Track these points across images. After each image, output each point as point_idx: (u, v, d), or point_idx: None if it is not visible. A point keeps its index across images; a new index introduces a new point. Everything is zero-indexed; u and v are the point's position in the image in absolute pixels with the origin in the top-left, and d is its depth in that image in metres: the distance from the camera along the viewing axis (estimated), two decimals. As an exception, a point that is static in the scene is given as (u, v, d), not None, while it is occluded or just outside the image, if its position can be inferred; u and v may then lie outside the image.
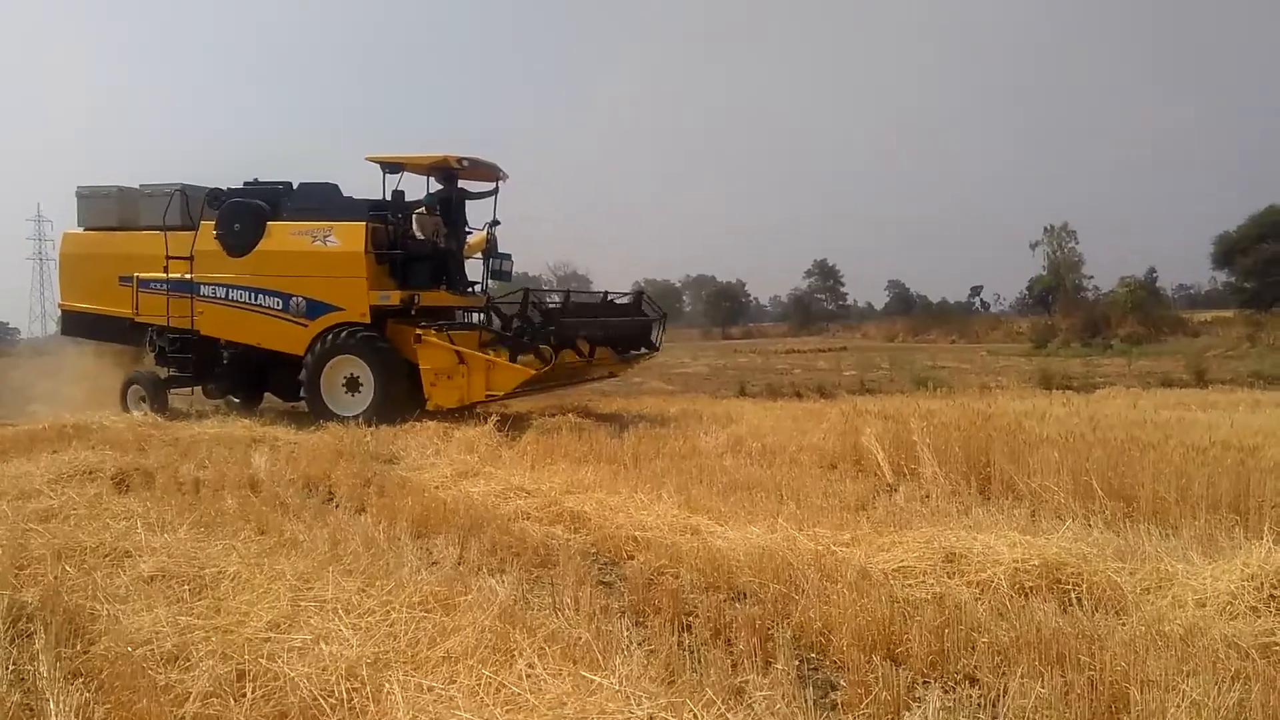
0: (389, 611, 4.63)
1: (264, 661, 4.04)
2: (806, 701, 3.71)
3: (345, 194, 14.34)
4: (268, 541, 6.29)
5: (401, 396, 13.25)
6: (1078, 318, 42.82)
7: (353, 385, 13.55)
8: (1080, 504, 7.17)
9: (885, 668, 4.02)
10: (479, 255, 15.25)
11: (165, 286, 14.78)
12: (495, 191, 15.15)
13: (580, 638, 4.26)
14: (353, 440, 11.32)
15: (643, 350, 16.05)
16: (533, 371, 12.31)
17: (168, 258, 14.62)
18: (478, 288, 15.44)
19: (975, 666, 4.18)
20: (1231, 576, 5.00)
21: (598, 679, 3.70)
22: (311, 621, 4.52)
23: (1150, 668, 3.89)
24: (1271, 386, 20.02)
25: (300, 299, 13.91)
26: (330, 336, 13.58)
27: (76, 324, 16.44)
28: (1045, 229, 63.08)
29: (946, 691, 4.01)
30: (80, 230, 16.06)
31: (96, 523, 6.81)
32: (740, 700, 3.77)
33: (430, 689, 3.72)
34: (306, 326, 13.85)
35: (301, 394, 13.93)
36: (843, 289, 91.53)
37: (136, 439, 11.39)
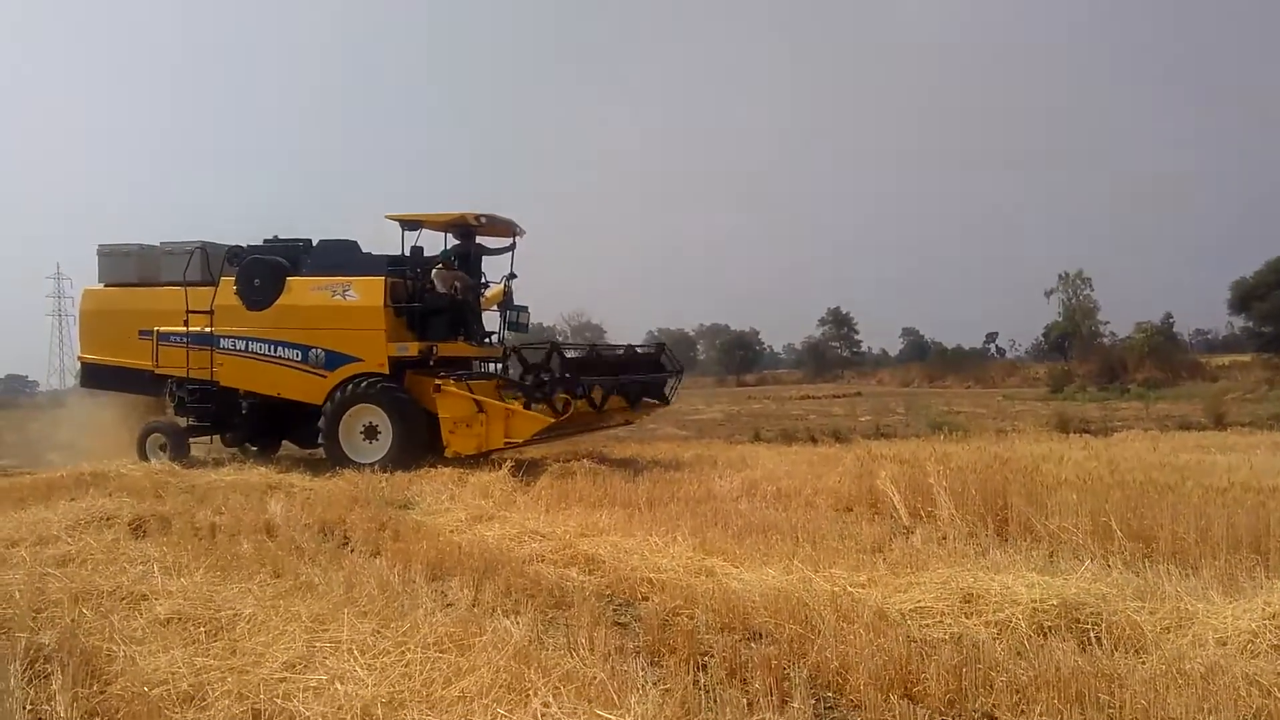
0: (404, 652, 4.63)
1: (279, 701, 4.05)
2: (823, 739, 3.68)
3: (364, 250, 14.75)
4: (283, 584, 6.31)
5: (419, 444, 13.47)
6: (1094, 363, 42.74)
7: (371, 433, 13.76)
8: (1099, 545, 7.12)
9: (902, 706, 3.99)
10: (496, 308, 15.58)
11: (185, 339, 15.10)
12: (512, 246, 15.51)
13: (595, 677, 4.25)
14: (368, 486, 11.36)
15: (655, 401, 16.34)
16: (551, 419, 12.52)
17: (188, 312, 14.94)
18: (494, 338, 15.75)
19: (994, 705, 4.15)
20: (1253, 615, 4.97)
21: (613, 718, 3.69)
22: (327, 662, 4.53)
23: (1171, 706, 3.86)
24: (1291, 430, 19.85)
25: (319, 350, 14.19)
26: (350, 386, 13.85)
27: (97, 376, 16.78)
28: (1060, 276, 63.10)
29: (965, 730, 3.97)
30: (101, 286, 16.50)
31: (113, 567, 6.86)
32: (756, 738, 3.74)
33: (445, 727, 3.71)
34: (325, 377, 14.12)
35: (320, 441, 14.14)
36: (857, 336, 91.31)
37: (153, 486, 11.45)
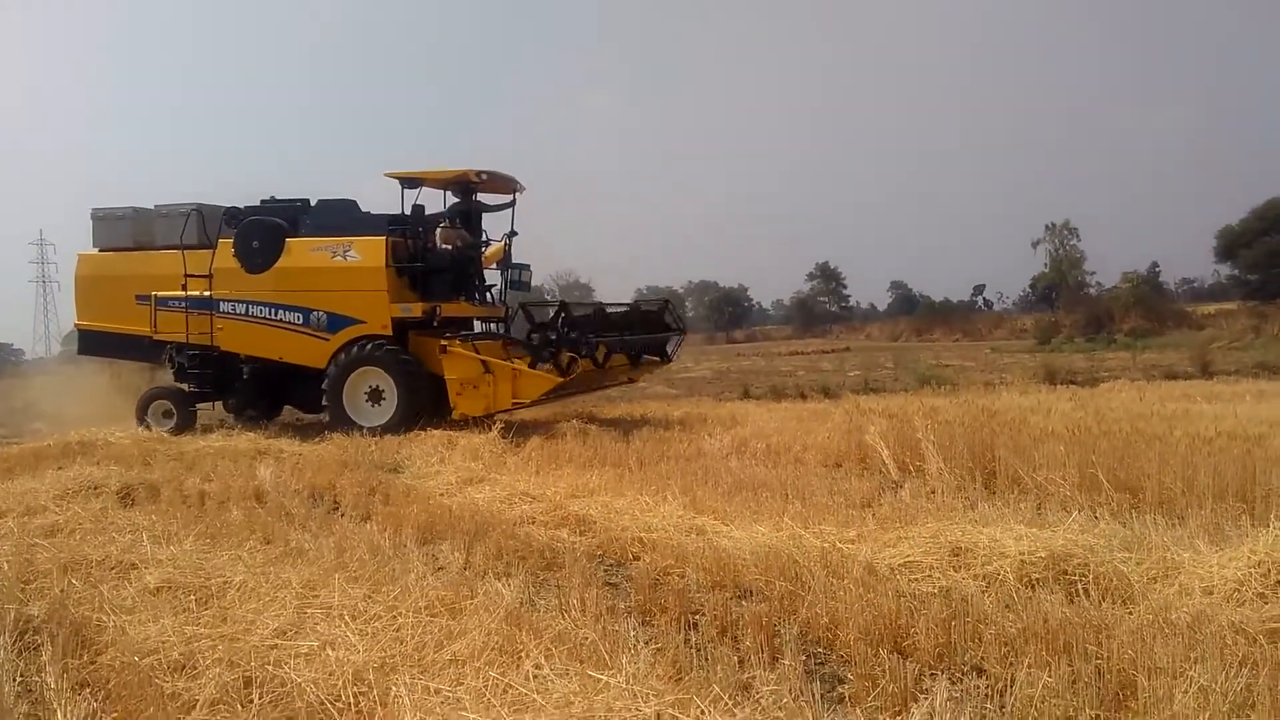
0: (395, 616, 4.64)
1: (270, 668, 4.05)
2: (814, 695, 3.71)
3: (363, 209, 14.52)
4: (273, 551, 6.31)
5: (424, 406, 13.35)
6: (1081, 313, 42.80)
7: (375, 396, 13.63)
8: (1086, 496, 7.17)
9: (892, 660, 4.01)
10: (496, 266, 15.35)
11: (184, 304, 14.87)
12: (513, 203, 15.27)
13: (587, 638, 4.27)
14: (357, 450, 11.34)
15: (656, 358, 16.14)
16: (559, 379, 12.37)
17: (186, 276, 14.73)
18: (495, 297, 15.56)
19: (982, 657, 4.18)
20: (1239, 564, 5.00)
21: (605, 678, 3.70)
22: (318, 628, 4.53)
23: (1158, 655, 3.89)
24: (1276, 377, 19.98)
25: (321, 313, 14.00)
26: (353, 349, 13.69)
27: (93, 343, 16.54)
28: (1047, 227, 63.14)
29: (954, 682, 4.00)
30: (95, 251, 16.23)
31: (102, 536, 6.83)
32: (748, 696, 3.76)
33: (437, 691, 3.72)
34: (328, 340, 13.94)
35: (323, 406, 13.99)
36: (845, 291, 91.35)
37: (141, 454, 11.40)
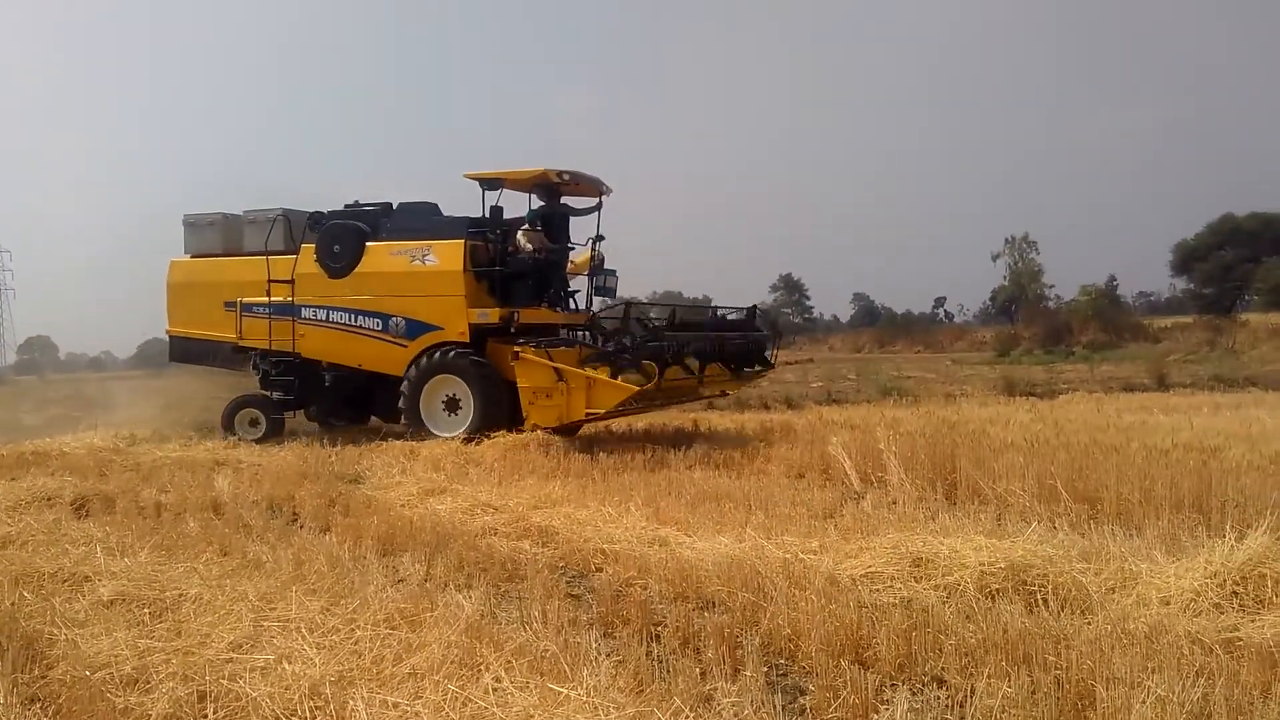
0: (354, 629, 4.58)
1: (225, 682, 3.98)
2: (775, 707, 3.70)
3: (445, 213, 14.17)
4: (230, 563, 6.22)
5: (502, 415, 12.79)
6: (1040, 326, 43.30)
7: (452, 405, 13.20)
8: (1045, 507, 7.23)
9: (853, 671, 4.02)
10: (586, 273, 14.68)
11: (268, 310, 14.63)
12: (599, 206, 14.74)
13: (548, 650, 4.23)
14: (317, 461, 11.23)
15: (757, 367, 15.13)
16: (635, 389, 11.41)
17: (269, 281, 14.47)
18: (580, 304, 14.97)
19: (943, 668, 4.19)
20: (1195, 574, 5.06)
21: (565, 690, 3.67)
22: (274, 641, 4.46)
23: (1116, 665, 3.92)
24: (1231, 389, 20.35)
25: (400, 319, 13.69)
26: (430, 356, 13.32)
27: (183, 350, 16.28)
28: (1006, 240, 63.94)
29: (914, 693, 4.01)
30: (187, 258, 16.04)
31: (55, 548, 6.69)
32: (709, 707, 3.75)
33: (395, 705, 3.68)
34: (406, 347, 13.60)
35: (401, 414, 13.55)
36: (808, 302, 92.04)
37: (97, 464, 11.21)
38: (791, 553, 6.06)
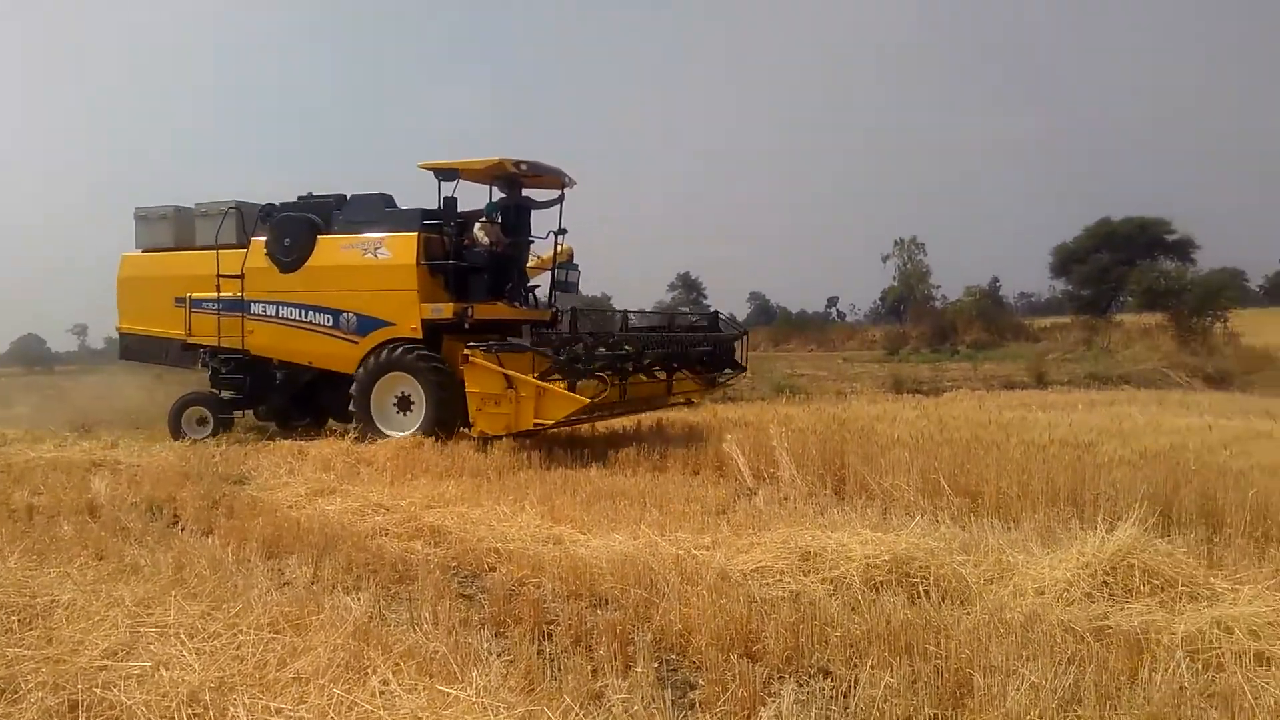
0: (236, 634, 4.46)
1: (99, 691, 3.83)
2: (665, 702, 3.74)
3: (400, 204, 13.52)
4: (106, 568, 5.98)
5: (455, 416, 12.17)
6: (927, 325, 44.49)
7: (404, 404, 12.62)
8: (929, 501, 7.46)
9: (742, 665, 4.08)
10: (553, 267, 14.27)
11: (217, 306, 13.95)
12: (561, 199, 14.08)
13: (438, 651, 4.18)
14: (200, 461, 10.87)
15: (728, 371, 14.73)
16: (587, 400, 10.70)
17: (219, 276, 13.81)
18: (535, 299, 14.41)
19: (829, 660, 4.29)
20: (1068, 565, 5.28)
21: (454, 692, 3.64)
22: (151, 648, 4.32)
23: (993, 654, 4.07)
24: (1106, 387, 21.27)
25: (351, 315, 13.08)
26: (380, 353, 12.72)
27: (134, 348, 15.55)
28: (895, 242, 65.43)
29: (801, 685, 4.09)
30: (138, 252, 15.26)
31: (-87, 555, 6.33)
32: (599, 704, 3.76)
33: (278, 711, 3.59)
34: (357, 344, 13.00)
35: (350, 413, 12.91)
36: (706, 301, 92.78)
37: (-38, 466, 10.65)
38: (684, 549, 6.12)
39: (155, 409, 15.93)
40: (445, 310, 12.60)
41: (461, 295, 12.87)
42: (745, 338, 15.41)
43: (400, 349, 12.63)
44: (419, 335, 12.71)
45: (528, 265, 14.35)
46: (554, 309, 14.18)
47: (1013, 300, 70.75)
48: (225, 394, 14.26)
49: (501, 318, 13.29)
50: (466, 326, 12.66)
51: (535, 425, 11.07)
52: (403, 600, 5.49)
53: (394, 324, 12.86)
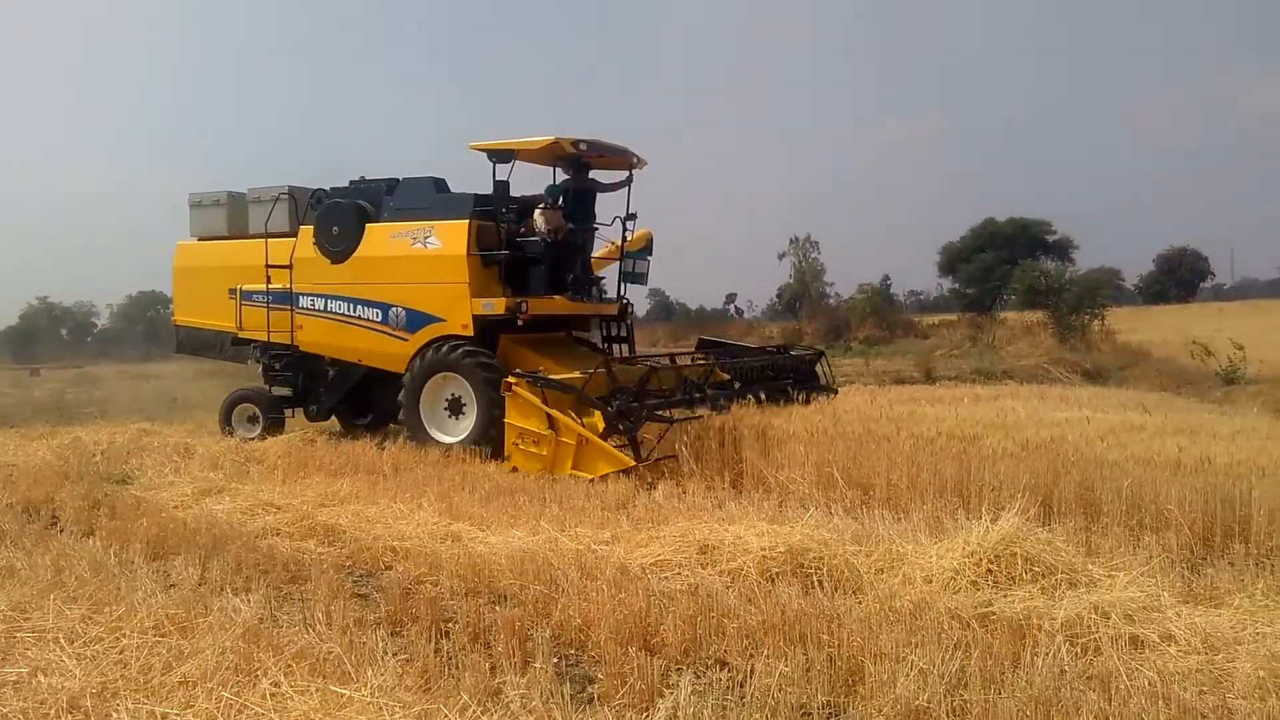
0: (119, 638, 4.32)
1: (-32, 702, 3.66)
2: (564, 697, 3.74)
3: (454, 189, 12.45)
4: (-23, 573, 5.70)
5: None
6: (821, 322, 45.26)
7: (455, 407, 11.46)
8: (823, 493, 7.62)
9: (641, 658, 4.11)
10: (621, 256, 13.12)
11: (266, 298, 12.98)
12: (629, 181, 12.76)
13: (331, 652, 4.11)
14: (80, 461, 10.43)
15: (819, 398, 13.09)
16: (631, 462, 9.07)
17: (267, 267, 12.84)
18: (602, 292, 13.31)
19: (726, 650, 4.35)
20: (955, 554, 5.45)
21: (348, 692, 3.59)
22: (29, 654, 4.16)
23: (883, 641, 4.18)
24: (990, 382, 21.96)
25: (400, 310, 12.01)
26: (429, 351, 11.62)
27: (188, 341, 14.54)
28: (791, 240, 66.28)
29: (698, 676, 4.14)
30: (193, 241, 14.30)
31: None
32: (498, 701, 3.75)
33: (164, 716, 3.49)
34: (407, 340, 11.93)
35: (400, 416, 11.84)
36: (605, 297, 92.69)
37: None
38: (584, 544, 6.14)
39: (29, 407, 15.25)
40: (497, 306, 11.42)
41: (519, 288, 11.80)
42: (824, 359, 14.49)
43: (450, 348, 11.51)
44: (470, 332, 11.56)
45: (595, 254, 13.26)
46: (623, 301, 13.23)
47: (903, 298, 72.47)
48: (277, 391, 13.38)
49: (561, 313, 12.24)
50: (520, 323, 11.61)
51: (571, 474, 9.42)
52: (295, 601, 5.38)
53: (444, 320, 11.77)
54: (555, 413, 9.67)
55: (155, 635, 4.32)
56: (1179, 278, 69.32)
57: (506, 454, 10.05)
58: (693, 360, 12.66)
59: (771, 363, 13.35)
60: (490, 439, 10.61)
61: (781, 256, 67.46)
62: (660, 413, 9.56)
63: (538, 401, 9.75)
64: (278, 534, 7.01)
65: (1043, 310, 31.55)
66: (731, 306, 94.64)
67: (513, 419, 9.95)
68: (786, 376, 13.19)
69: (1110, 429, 10.13)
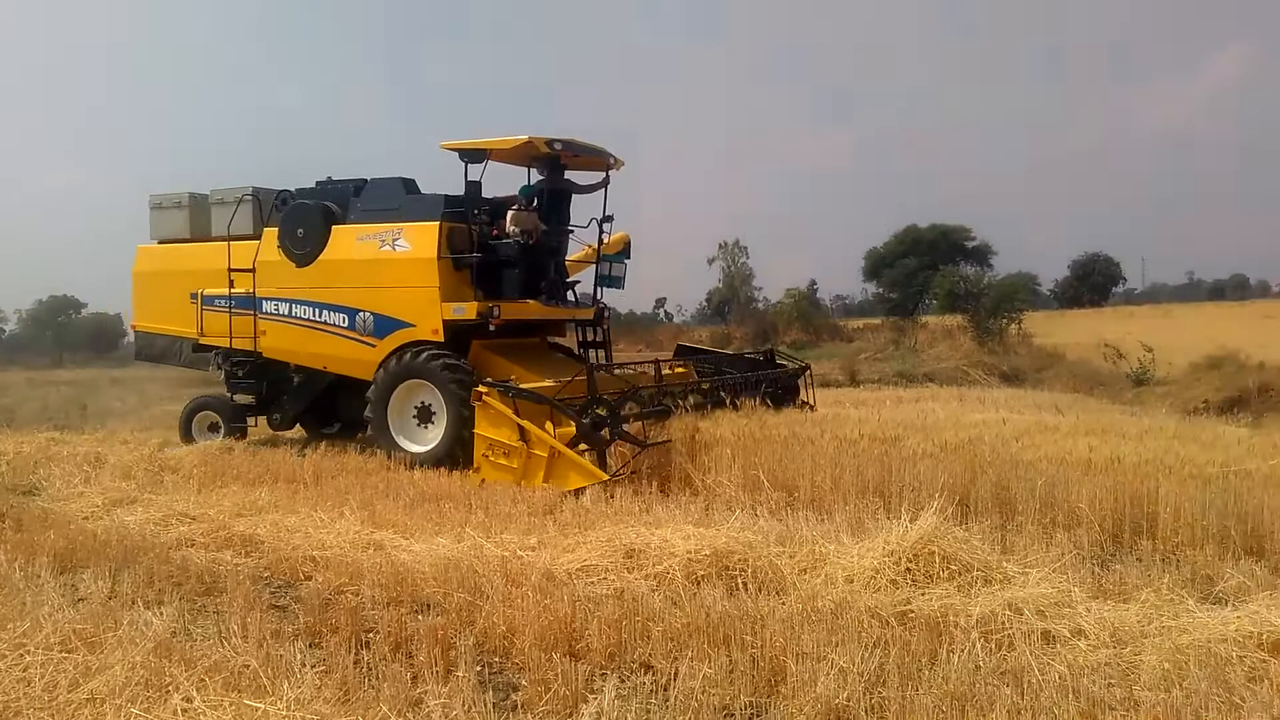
0: (22, 655, 4.15)
1: None
2: (486, 705, 3.70)
3: (424, 189, 12.08)
4: None
5: None
6: (750, 326, 45.67)
7: (425, 415, 11.06)
8: (749, 496, 7.67)
9: (565, 664, 4.08)
10: (597, 260, 12.88)
11: (229, 303, 12.51)
12: (605, 182, 12.56)
13: (247, 665, 4.01)
14: (-17, 472, 10.05)
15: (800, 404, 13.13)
16: (605, 476, 8.69)
17: (230, 270, 12.39)
18: (577, 296, 12.99)
19: (650, 654, 4.35)
20: (875, 553, 5.53)
21: (263, 706, 3.50)
22: (-78, 675, 3.96)
23: (805, 641, 4.22)
24: (911, 384, 22.39)
25: (368, 314, 11.61)
26: (399, 357, 11.22)
27: (148, 347, 13.99)
28: (720, 245, 66.83)
29: (623, 680, 4.13)
30: (153, 244, 13.71)
31: None
32: (418, 711, 3.70)
33: (68, 736, 3.36)
34: (375, 346, 11.53)
35: (366, 423, 11.48)
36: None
37: None
38: (510, 550, 6.09)
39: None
40: (468, 310, 11.10)
41: (491, 292, 11.46)
42: (808, 373, 14.20)
43: (419, 354, 11.14)
44: (441, 338, 11.23)
45: (570, 257, 13.10)
46: (598, 305, 13.01)
47: (829, 302, 73.42)
48: (239, 399, 12.95)
49: (534, 317, 12.02)
50: (492, 328, 11.34)
51: (544, 486, 9.04)
52: (210, 613, 5.24)
53: (414, 325, 11.41)
54: (527, 424, 9.32)
55: (61, 651, 4.16)
56: (1092, 283, 71.27)
57: (476, 465, 9.69)
58: (693, 370, 12.73)
59: (766, 377, 13.05)
60: (461, 449, 10.22)
61: (711, 261, 67.96)
62: (631, 434, 9.25)
63: (509, 412, 9.40)
64: (192, 545, 6.84)
65: (962, 314, 32.23)
66: (661, 311, 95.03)
67: (483, 429, 9.61)
68: (773, 388, 12.93)
69: (1025, 430, 10.36)
